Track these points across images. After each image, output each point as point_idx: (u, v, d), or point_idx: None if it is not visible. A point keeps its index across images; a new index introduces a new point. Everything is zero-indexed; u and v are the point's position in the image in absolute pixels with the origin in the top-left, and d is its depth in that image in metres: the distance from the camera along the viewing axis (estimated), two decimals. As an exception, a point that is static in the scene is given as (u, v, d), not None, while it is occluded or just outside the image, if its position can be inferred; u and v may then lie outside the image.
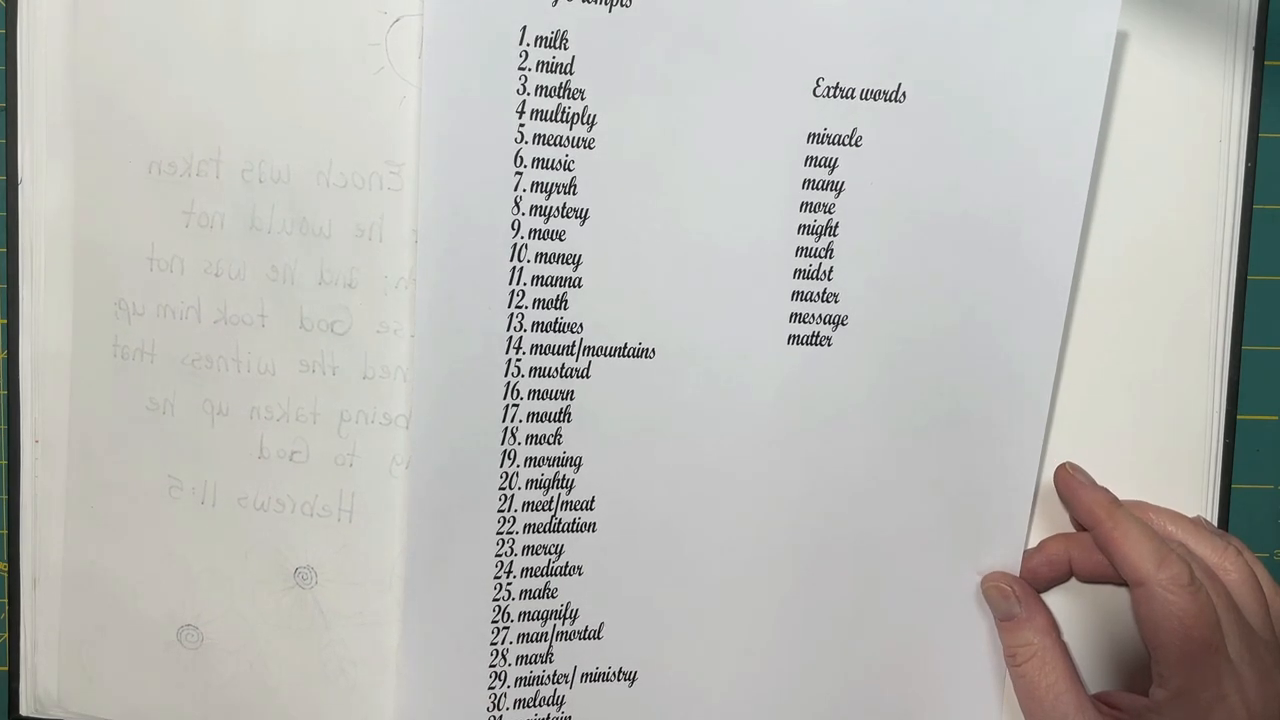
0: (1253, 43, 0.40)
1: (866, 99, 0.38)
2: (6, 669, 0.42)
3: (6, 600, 0.41)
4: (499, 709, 0.40)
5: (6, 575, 0.41)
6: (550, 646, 0.40)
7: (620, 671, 0.41)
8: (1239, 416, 0.42)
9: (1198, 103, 0.41)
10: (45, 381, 0.40)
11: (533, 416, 0.39)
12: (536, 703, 0.40)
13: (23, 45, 0.39)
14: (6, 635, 0.42)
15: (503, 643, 0.40)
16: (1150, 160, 0.41)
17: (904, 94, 0.38)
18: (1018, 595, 0.40)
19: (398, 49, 0.38)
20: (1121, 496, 0.41)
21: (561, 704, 0.40)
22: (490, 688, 0.40)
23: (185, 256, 0.39)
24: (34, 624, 0.41)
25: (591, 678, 0.40)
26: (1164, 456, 0.42)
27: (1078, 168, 0.39)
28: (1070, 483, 0.40)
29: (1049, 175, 0.39)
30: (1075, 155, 0.39)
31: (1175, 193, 0.41)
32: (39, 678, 0.41)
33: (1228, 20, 0.40)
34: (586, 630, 0.40)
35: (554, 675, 0.40)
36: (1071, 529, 0.42)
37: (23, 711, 0.41)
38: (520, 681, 0.40)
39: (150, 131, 0.38)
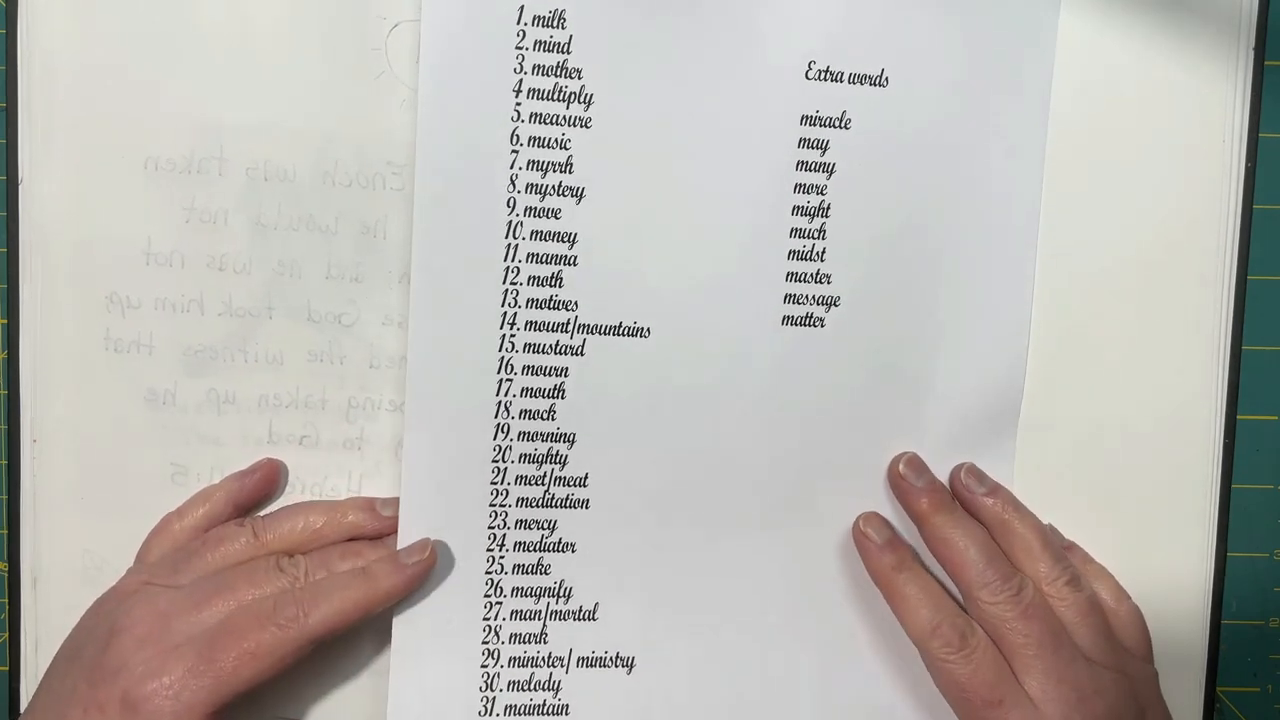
0: (1252, 43, 0.41)
1: (854, 83, 0.39)
2: (7, 669, 0.42)
3: (6, 600, 0.41)
4: (492, 689, 0.39)
5: (6, 574, 0.41)
6: (544, 626, 0.40)
7: (618, 657, 0.40)
8: (1239, 416, 0.42)
9: (1198, 103, 0.41)
10: (43, 380, 0.40)
11: (526, 392, 0.39)
12: (532, 686, 0.40)
13: (23, 45, 0.39)
14: (6, 635, 0.41)
15: (495, 618, 0.39)
16: (1150, 160, 0.41)
17: (886, 78, 0.39)
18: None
19: (397, 54, 0.39)
20: (1121, 499, 0.42)
21: (558, 690, 0.40)
22: (483, 665, 0.39)
23: (186, 251, 0.40)
24: (34, 623, 0.41)
25: (588, 663, 0.40)
26: (1164, 456, 0.42)
27: (1032, 141, 0.40)
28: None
29: (1009, 152, 0.40)
30: (1029, 127, 0.40)
31: (1175, 193, 0.41)
32: (39, 677, 0.41)
33: (1228, 20, 0.41)
34: (581, 611, 0.40)
35: (549, 658, 0.40)
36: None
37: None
38: (514, 662, 0.40)
39: (149, 130, 0.39)
